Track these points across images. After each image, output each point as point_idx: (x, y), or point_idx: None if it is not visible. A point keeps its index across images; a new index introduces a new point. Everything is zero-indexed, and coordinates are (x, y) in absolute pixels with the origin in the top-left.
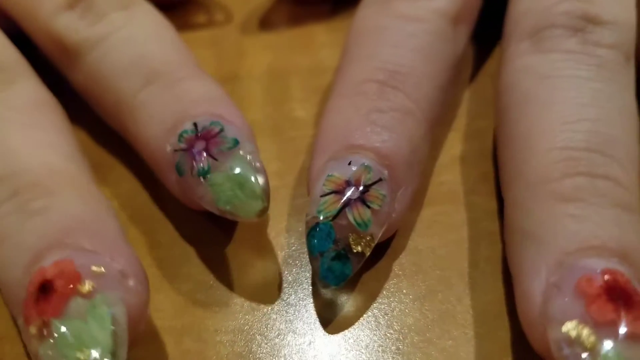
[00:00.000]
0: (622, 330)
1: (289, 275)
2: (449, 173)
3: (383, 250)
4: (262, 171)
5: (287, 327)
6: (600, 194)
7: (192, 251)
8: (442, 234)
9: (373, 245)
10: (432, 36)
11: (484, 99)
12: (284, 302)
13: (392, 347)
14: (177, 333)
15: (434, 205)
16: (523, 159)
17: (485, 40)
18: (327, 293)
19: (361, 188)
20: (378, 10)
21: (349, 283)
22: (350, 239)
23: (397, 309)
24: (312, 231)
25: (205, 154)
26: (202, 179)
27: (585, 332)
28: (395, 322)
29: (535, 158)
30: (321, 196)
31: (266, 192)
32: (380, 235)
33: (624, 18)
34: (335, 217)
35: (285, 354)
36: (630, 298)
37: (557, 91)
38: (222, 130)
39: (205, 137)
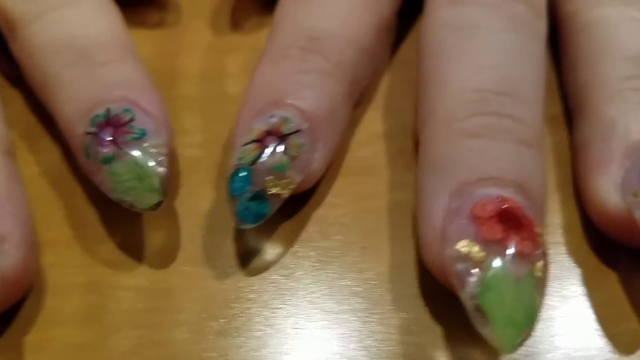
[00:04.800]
0: (510, 249)
1: (206, 238)
2: (367, 148)
3: (290, 216)
4: (164, 165)
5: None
6: (504, 131)
7: (108, 214)
8: (350, 203)
9: (291, 188)
10: (351, 2)
11: (406, 78)
12: (195, 260)
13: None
14: (84, 289)
15: (347, 177)
16: (436, 100)
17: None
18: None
19: (281, 138)
20: None
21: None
22: (268, 182)
23: (299, 273)
24: (232, 176)
25: (110, 142)
26: (103, 166)
27: (476, 249)
28: (296, 283)
29: (448, 98)
30: (242, 145)
31: (164, 186)
32: (298, 181)
33: None
34: (254, 162)
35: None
36: (520, 222)
37: (471, 40)
38: (132, 119)
39: (115, 124)
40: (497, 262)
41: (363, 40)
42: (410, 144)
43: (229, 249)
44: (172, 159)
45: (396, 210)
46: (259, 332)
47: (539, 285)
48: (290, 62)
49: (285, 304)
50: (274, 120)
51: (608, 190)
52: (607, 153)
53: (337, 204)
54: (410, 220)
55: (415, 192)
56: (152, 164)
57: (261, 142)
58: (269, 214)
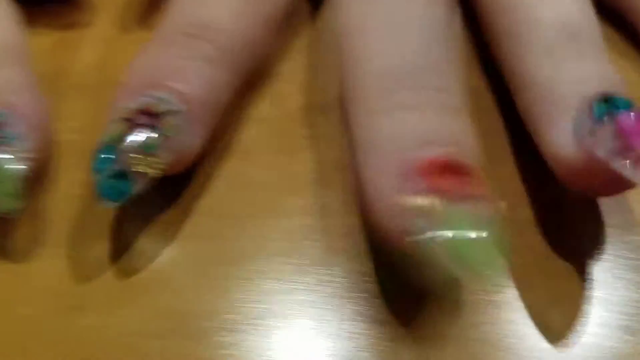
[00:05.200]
0: (458, 194)
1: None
2: (248, 131)
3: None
4: (27, 172)
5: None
6: (426, 101)
7: None
8: (223, 185)
9: (160, 168)
10: None
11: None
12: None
13: None
14: None
15: (226, 161)
16: (353, 83)
17: None
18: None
19: (154, 117)
20: None
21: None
22: (133, 160)
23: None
24: (96, 153)
25: None
26: None
27: (428, 201)
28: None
29: (370, 76)
30: (111, 122)
31: (22, 191)
32: (168, 161)
33: None
34: (121, 139)
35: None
36: (461, 169)
37: (387, 17)
38: (3, 122)
39: None
40: (450, 207)
41: (250, 31)
42: (291, 127)
43: (100, 232)
44: (42, 161)
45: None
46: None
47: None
48: (174, 47)
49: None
50: (149, 100)
51: (564, 140)
52: (552, 110)
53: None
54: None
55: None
56: (11, 167)
57: (132, 120)
58: (132, 193)
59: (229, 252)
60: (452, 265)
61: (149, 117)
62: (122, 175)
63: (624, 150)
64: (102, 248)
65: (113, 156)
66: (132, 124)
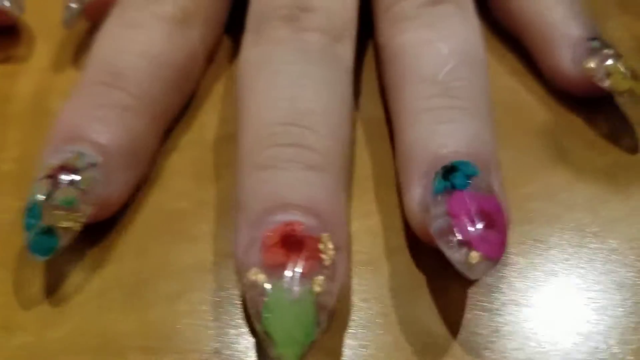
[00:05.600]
0: (289, 271)
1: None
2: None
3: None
4: None
5: None
6: (290, 160)
7: None
8: (144, 212)
9: (82, 221)
10: (155, 39)
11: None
12: None
13: None
14: None
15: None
16: (240, 137)
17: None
18: None
19: (72, 172)
20: (111, 20)
21: None
22: (57, 216)
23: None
24: (26, 212)
25: None
26: None
27: (261, 276)
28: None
29: (246, 137)
30: (37, 181)
31: None
32: (90, 214)
33: (334, 4)
34: (45, 197)
35: None
36: (303, 243)
37: (264, 77)
38: None
39: None
40: (276, 285)
41: (169, 73)
42: (203, 155)
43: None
44: None
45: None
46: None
47: (321, 300)
48: (90, 97)
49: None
50: (68, 155)
51: (413, 207)
52: (409, 175)
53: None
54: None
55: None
56: None
57: (53, 177)
58: (59, 247)
59: (150, 274)
60: (267, 343)
61: (69, 172)
62: (49, 231)
63: (451, 231)
64: (31, 270)
65: (38, 215)
66: (54, 181)
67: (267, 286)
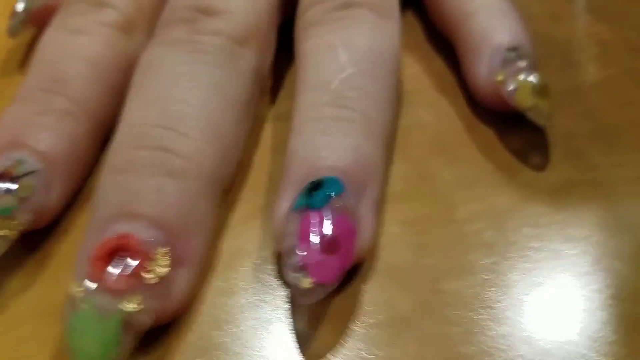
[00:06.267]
0: (99, 286)
1: None
2: None
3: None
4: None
5: None
6: (150, 165)
7: None
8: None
9: (19, 229)
10: (97, 45)
11: None
12: None
13: None
14: None
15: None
16: (115, 138)
17: None
18: None
19: (11, 179)
20: (54, 26)
21: None
22: None
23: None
24: None
25: None
26: None
27: (74, 288)
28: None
29: (115, 137)
30: None
31: None
32: (27, 221)
33: (239, 6)
34: None
35: None
36: (133, 257)
37: (149, 79)
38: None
39: None
40: (86, 300)
41: (111, 79)
42: None
43: None
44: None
45: None
46: None
47: (133, 319)
48: (31, 103)
49: None
50: (6, 162)
51: (277, 219)
52: (283, 185)
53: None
54: None
55: None
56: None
57: None
58: None
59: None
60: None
61: (7, 179)
62: None
63: (292, 252)
64: None
65: None
66: None
67: (79, 298)
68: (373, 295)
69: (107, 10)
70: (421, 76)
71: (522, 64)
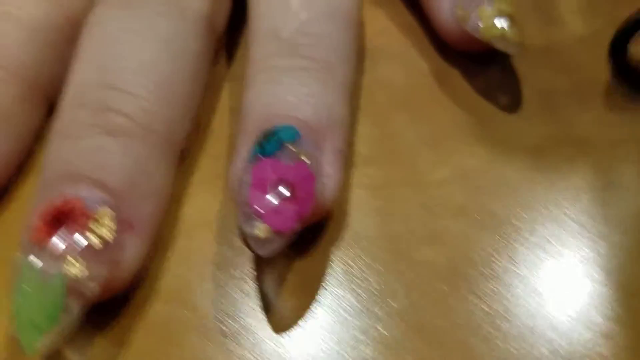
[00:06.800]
0: (42, 249)
1: None
2: None
3: None
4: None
5: None
6: (90, 125)
7: None
8: None
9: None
10: (32, 7)
11: None
12: None
13: None
14: None
15: None
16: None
17: None
18: None
19: None
20: None
21: None
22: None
23: None
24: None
25: None
26: None
27: (18, 254)
28: None
29: (60, 100)
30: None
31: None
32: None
33: None
34: None
35: None
36: (72, 219)
37: (93, 38)
38: None
39: None
40: (28, 265)
41: (46, 39)
42: None
43: None
44: None
45: None
46: None
47: (77, 284)
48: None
49: None
50: None
51: (234, 173)
52: (238, 139)
53: None
54: None
55: None
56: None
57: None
58: None
59: None
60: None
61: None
62: None
63: (246, 202)
64: None
65: None
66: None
67: (23, 265)
68: (342, 266)
69: None
70: (387, 32)
71: None
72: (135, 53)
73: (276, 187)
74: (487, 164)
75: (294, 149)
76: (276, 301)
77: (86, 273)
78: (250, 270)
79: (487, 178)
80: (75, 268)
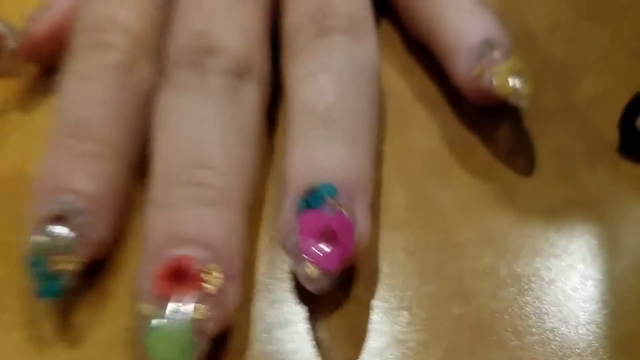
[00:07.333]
0: (171, 300)
1: None
2: None
3: None
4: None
5: None
6: (188, 198)
7: None
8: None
9: (80, 262)
10: (106, 87)
11: None
12: None
13: None
14: None
15: None
16: (150, 180)
17: None
18: None
19: (62, 221)
20: (64, 74)
21: None
22: (57, 261)
23: None
24: (29, 263)
25: None
26: None
27: (145, 306)
28: None
29: (153, 177)
30: (34, 235)
31: None
32: (85, 254)
33: (236, 44)
34: (44, 248)
35: None
36: (188, 274)
37: (171, 123)
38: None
39: None
40: (158, 314)
41: (127, 117)
42: None
43: None
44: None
45: None
46: None
47: (201, 325)
48: (63, 150)
49: None
50: (55, 206)
51: (282, 226)
52: (287, 195)
53: None
54: None
55: None
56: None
57: (47, 229)
58: (64, 288)
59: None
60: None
61: (60, 221)
62: (53, 276)
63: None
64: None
65: (40, 262)
66: (47, 232)
67: (151, 314)
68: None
69: (108, 52)
70: (415, 100)
71: (497, 54)
72: (211, 136)
73: (322, 235)
74: (510, 227)
75: (334, 203)
76: (328, 351)
77: (208, 315)
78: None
79: (510, 240)
80: (198, 312)
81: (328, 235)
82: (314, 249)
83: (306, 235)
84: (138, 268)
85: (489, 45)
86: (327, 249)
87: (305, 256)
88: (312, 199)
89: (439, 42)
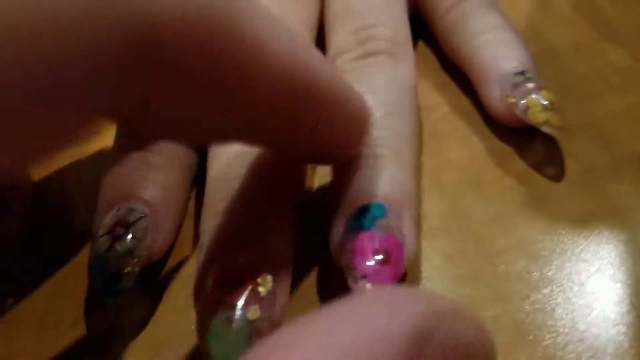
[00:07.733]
0: (231, 304)
1: None
2: None
3: None
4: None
5: None
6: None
7: None
8: None
9: (141, 264)
10: None
11: None
12: None
13: None
14: None
15: None
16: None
17: None
18: None
19: (127, 225)
20: None
21: None
22: (120, 263)
23: None
24: (93, 264)
25: None
26: None
27: (205, 309)
28: None
29: (208, 189)
30: (98, 238)
31: None
32: (146, 257)
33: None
34: (107, 250)
35: None
36: (243, 280)
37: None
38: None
39: None
40: (218, 317)
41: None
42: None
43: None
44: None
45: None
46: None
47: (256, 325)
48: (134, 162)
49: None
50: (122, 212)
51: (334, 241)
52: (337, 214)
53: None
54: None
55: None
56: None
57: (111, 233)
58: (125, 289)
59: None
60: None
61: (124, 226)
62: (115, 277)
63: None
64: None
65: (104, 265)
66: (112, 235)
67: (210, 317)
68: None
69: None
70: (450, 117)
71: (530, 85)
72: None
73: (374, 254)
74: (542, 234)
75: (385, 224)
76: None
77: (262, 315)
78: None
79: (542, 246)
80: (254, 313)
81: (380, 254)
82: (368, 268)
83: (360, 255)
84: (196, 272)
85: (522, 75)
86: (381, 267)
87: (362, 274)
88: (364, 219)
89: (474, 67)
